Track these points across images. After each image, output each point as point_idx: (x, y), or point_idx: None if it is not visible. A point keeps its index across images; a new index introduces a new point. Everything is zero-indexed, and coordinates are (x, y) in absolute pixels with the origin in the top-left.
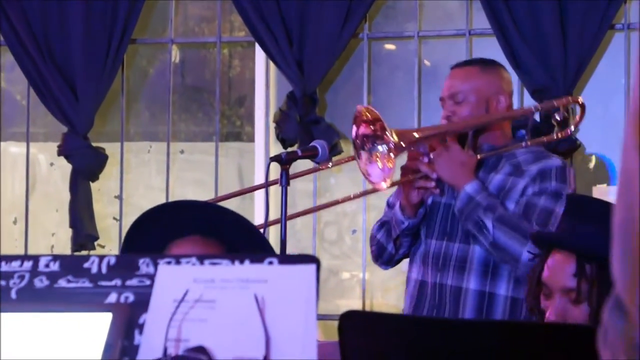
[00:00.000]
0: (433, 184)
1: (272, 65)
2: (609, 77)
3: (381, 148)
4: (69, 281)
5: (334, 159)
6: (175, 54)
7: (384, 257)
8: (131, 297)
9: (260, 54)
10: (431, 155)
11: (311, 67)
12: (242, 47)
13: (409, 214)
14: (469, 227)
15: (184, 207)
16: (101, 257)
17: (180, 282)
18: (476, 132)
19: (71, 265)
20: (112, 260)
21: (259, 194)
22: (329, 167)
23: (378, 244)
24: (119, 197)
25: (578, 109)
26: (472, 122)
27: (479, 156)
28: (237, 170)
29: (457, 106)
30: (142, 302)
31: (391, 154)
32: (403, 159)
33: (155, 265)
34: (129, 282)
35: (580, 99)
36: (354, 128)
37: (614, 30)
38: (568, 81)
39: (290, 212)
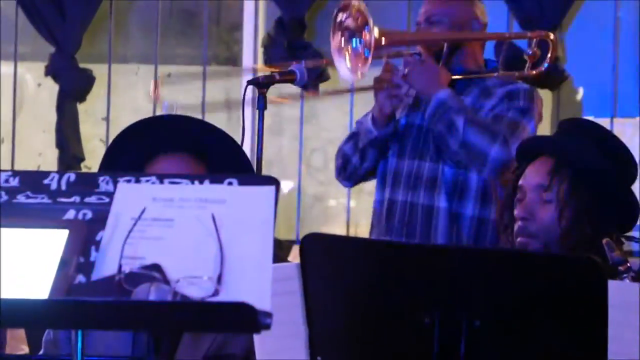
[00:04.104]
0: (404, 90)
1: None
2: (598, 8)
3: (360, 42)
4: (27, 197)
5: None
6: None
7: (347, 169)
8: (89, 214)
9: None
10: (405, 70)
11: None
12: None
13: (380, 125)
14: (440, 129)
15: (169, 121)
16: (61, 174)
17: (139, 201)
18: (450, 52)
19: (31, 181)
20: (72, 177)
21: (246, 117)
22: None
23: (344, 155)
24: (106, 119)
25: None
26: (450, 35)
27: (453, 77)
28: (224, 93)
29: (431, 27)
30: (100, 219)
31: (370, 49)
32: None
33: (115, 183)
34: (87, 199)
35: (552, 35)
36: (341, 15)
37: None
38: (557, 12)
39: (276, 137)
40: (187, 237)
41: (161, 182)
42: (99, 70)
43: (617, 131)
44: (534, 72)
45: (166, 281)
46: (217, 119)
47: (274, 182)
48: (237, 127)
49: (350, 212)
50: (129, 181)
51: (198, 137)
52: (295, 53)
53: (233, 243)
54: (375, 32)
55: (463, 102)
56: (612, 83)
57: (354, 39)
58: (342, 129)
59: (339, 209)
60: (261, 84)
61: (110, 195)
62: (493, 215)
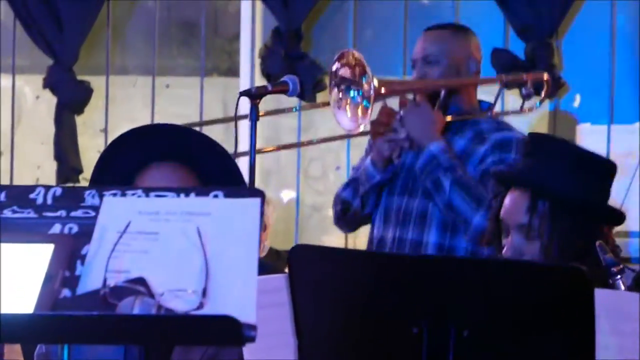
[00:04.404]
0: (403, 136)
1: (259, 0)
2: (594, 15)
3: (359, 93)
4: (14, 211)
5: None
6: None
7: (348, 216)
8: (75, 228)
9: None
10: (401, 113)
11: (296, 2)
12: None
13: (380, 168)
14: (428, 185)
15: (161, 131)
16: (47, 188)
17: (124, 214)
18: (447, 94)
19: (17, 195)
20: (58, 192)
21: (244, 127)
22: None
23: (343, 202)
24: (104, 131)
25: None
26: (448, 82)
27: (448, 118)
28: (222, 105)
29: (429, 67)
30: (86, 233)
31: (369, 100)
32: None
33: (101, 196)
34: (73, 213)
35: (546, 76)
36: (337, 68)
37: None
38: (554, 19)
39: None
40: (172, 250)
41: (147, 195)
42: (97, 82)
43: (614, 138)
44: (528, 111)
45: (151, 294)
46: (214, 129)
47: (259, 194)
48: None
49: None
50: (114, 195)
51: (189, 147)
52: (292, 63)
53: (218, 256)
54: (375, 82)
55: (454, 157)
56: (608, 90)
57: (352, 90)
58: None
59: None
60: (254, 95)
61: (96, 209)
62: (486, 251)
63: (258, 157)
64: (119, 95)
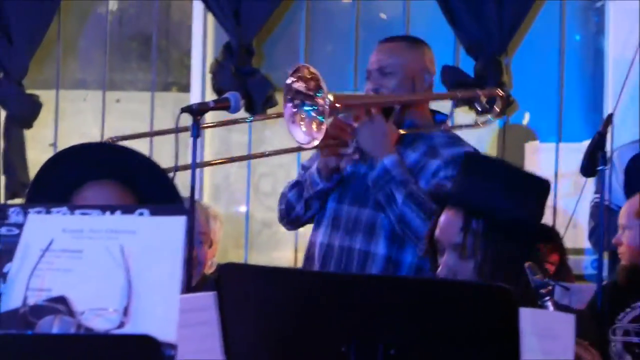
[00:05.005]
0: (351, 151)
1: (211, 15)
2: (544, 34)
3: (313, 108)
4: None
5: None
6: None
7: (291, 216)
8: None
9: (198, 3)
10: (354, 125)
11: (248, 17)
12: None
13: (325, 177)
14: (380, 199)
15: (97, 149)
16: None
17: (48, 232)
18: (402, 108)
19: None
20: None
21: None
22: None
23: (288, 203)
24: (54, 145)
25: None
26: (403, 98)
27: (401, 131)
28: (173, 120)
29: (384, 79)
30: (9, 251)
31: (324, 115)
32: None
33: (25, 214)
34: None
35: (501, 92)
36: (292, 82)
37: None
38: (503, 37)
39: (225, 163)
40: (95, 269)
41: (72, 213)
42: (47, 96)
43: (562, 156)
44: (482, 125)
45: (71, 313)
46: (165, 145)
47: (184, 212)
48: (185, 150)
49: (299, 237)
50: (39, 212)
51: (124, 165)
52: (243, 79)
53: (141, 274)
54: (330, 97)
55: (406, 171)
56: (557, 108)
57: (306, 105)
58: (290, 154)
59: (288, 234)
60: (195, 112)
61: (20, 226)
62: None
63: (208, 173)
64: (69, 110)
